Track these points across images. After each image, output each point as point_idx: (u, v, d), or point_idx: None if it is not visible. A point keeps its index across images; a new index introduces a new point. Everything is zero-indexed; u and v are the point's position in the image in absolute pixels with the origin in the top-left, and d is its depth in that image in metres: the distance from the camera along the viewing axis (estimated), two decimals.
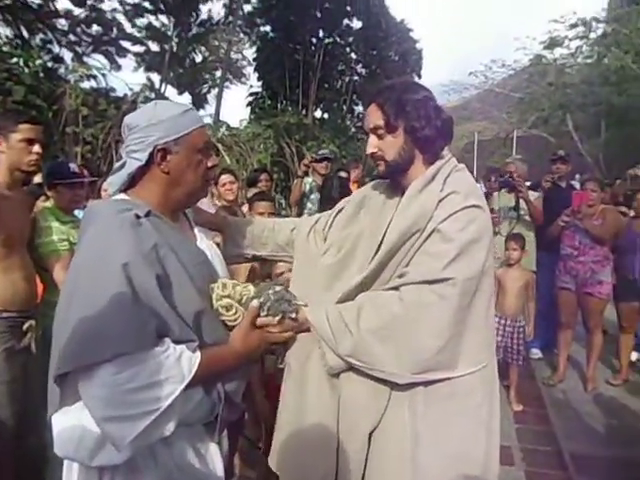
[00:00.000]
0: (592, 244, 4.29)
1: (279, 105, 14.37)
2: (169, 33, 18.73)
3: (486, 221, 1.47)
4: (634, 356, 4.86)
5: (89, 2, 16.17)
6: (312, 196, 5.38)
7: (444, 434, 1.42)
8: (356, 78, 17.64)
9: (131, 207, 1.32)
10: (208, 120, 11.82)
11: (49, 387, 1.25)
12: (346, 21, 16.98)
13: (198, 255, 1.44)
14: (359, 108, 17.89)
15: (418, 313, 1.36)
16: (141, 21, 18.41)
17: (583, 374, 4.53)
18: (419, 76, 18.15)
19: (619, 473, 3.20)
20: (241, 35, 19.32)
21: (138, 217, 1.30)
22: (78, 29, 16.44)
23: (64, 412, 1.25)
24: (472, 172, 1.64)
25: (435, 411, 1.42)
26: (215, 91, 19.16)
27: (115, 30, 17.42)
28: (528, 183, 5.39)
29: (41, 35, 15.56)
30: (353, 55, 17.61)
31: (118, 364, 1.15)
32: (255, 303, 1.41)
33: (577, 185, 5.68)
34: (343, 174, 5.52)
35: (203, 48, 20.59)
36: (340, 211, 1.75)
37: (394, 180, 1.59)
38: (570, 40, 15.19)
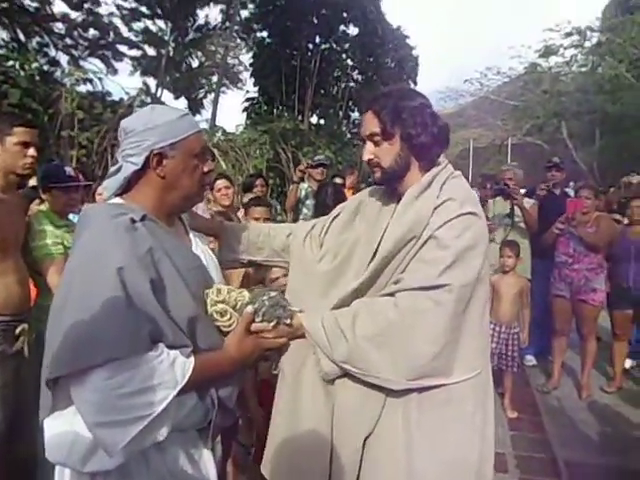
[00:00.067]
0: (586, 252, 4.31)
1: (275, 111, 14.40)
2: (166, 38, 18.78)
3: (482, 228, 1.47)
4: (628, 363, 4.88)
5: (86, 6, 16.20)
6: (308, 202, 5.38)
7: (438, 441, 1.42)
8: (352, 84, 17.67)
9: (126, 211, 1.31)
10: (204, 125, 11.84)
11: (41, 391, 1.24)
12: (342, 27, 17.04)
13: (193, 260, 1.44)
14: (355, 114, 17.95)
15: (414, 319, 1.36)
16: (138, 25, 18.50)
17: (577, 381, 4.54)
18: (415, 83, 18.22)
19: None
20: (238, 40, 19.37)
21: (133, 221, 1.29)
22: (75, 33, 16.46)
23: (56, 417, 1.24)
24: (467, 179, 1.64)
25: (429, 418, 1.41)
26: (211, 96, 19.22)
27: (112, 34, 17.47)
28: (523, 190, 5.41)
29: (37, 38, 15.58)
30: (349, 61, 17.65)
31: (111, 369, 1.14)
32: (250, 309, 1.41)
33: (571, 192, 5.70)
34: (338, 180, 5.53)
35: (200, 53, 20.65)
36: (336, 217, 1.75)
37: (390, 187, 1.60)
38: (565, 49, 15.34)
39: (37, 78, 6.99)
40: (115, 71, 17.97)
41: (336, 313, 1.46)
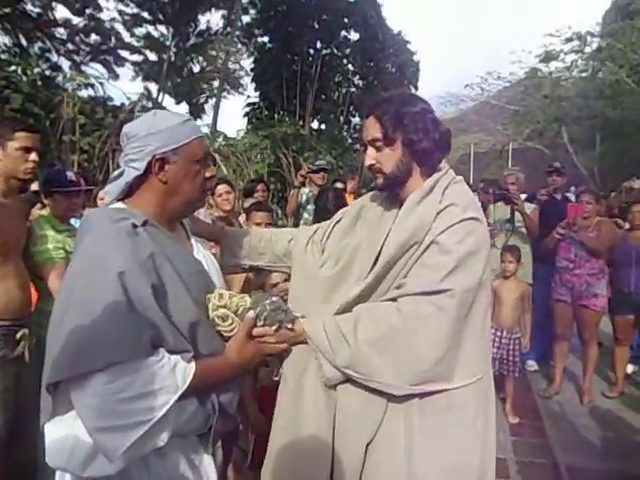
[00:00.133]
0: (588, 257, 4.30)
1: (276, 116, 14.42)
2: (167, 43, 18.84)
3: (484, 233, 1.47)
4: (630, 368, 4.86)
5: (88, 11, 16.27)
6: (309, 207, 5.38)
7: (440, 446, 1.41)
8: (353, 89, 17.71)
9: (128, 216, 1.31)
10: (205, 130, 11.84)
11: (42, 396, 1.24)
12: (344, 33, 17.07)
13: (194, 265, 1.44)
14: (356, 119, 17.97)
15: (416, 324, 1.36)
16: (139, 31, 18.56)
17: (579, 386, 4.53)
18: (416, 88, 18.25)
19: None
20: (239, 45, 19.43)
21: (135, 226, 1.29)
22: (76, 38, 16.52)
23: (56, 421, 1.24)
24: (469, 184, 1.64)
25: (431, 423, 1.41)
26: (212, 101, 19.26)
27: (113, 39, 17.53)
28: (524, 195, 5.42)
29: (39, 44, 15.63)
30: (350, 67, 17.68)
31: (111, 373, 1.14)
32: (251, 314, 1.41)
33: (572, 197, 5.70)
34: (339, 185, 5.53)
35: (201, 58, 20.71)
36: (338, 222, 1.75)
37: (392, 192, 1.60)
38: (565, 54, 15.39)
39: (39, 83, 7.02)
40: (117, 76, 18.03)
41: (338, 318, 1.46)
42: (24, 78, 6.68)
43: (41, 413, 1.26)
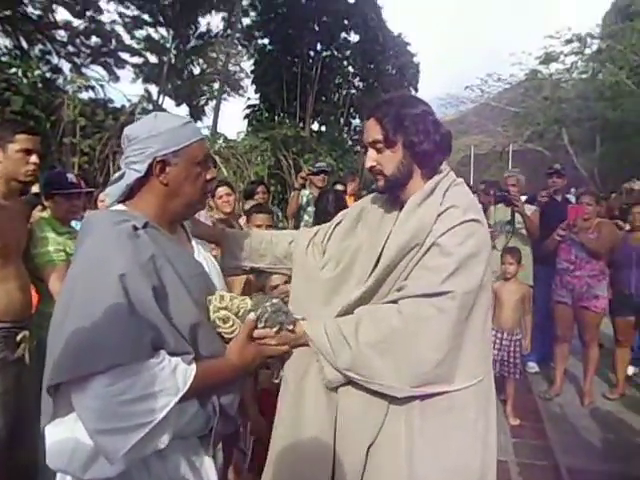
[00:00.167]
0: (588, 258, 4.30)
1: (276, 117, 14.44)
2: (168, 45, 18.86)
3: (485, 235, 1.47)
4: (630, 370, 4.86)
5: (88, 14, 16.29)
6: (309, 208, 5.39)
7: (441, 448, 1.41)
8: (353, 91, 17.73)
9: (129, 218, 1.31)
10: (205, 132, 11.85)
11: (42, 398, 1.24)
12: (344, 35, 17.10)
13: (195, 267, 1.44)
14: (356, 121, 17.99)
15: (417, 326, 1.36)
16: (140, 33, 18.58)
17: (580, 388, 4.52)
18: (416, 89, 18.27)
19: None
20: (239, 48, 19.46)
21: (136, 228, 1.29)
22: (77, 40, 16.54)
23: (57, 423, 1.24)
24: (469, 186, 1.64)
25: (432, 425, 1.41)
26: (213, 103, 19.28)
27: (114, 42, 17.56)
28: (524, 197, 5.41)
29: (40, 46, 15.65)
30: (350, 68, 17.70)
31: (112, 375, 1.14)
32: (252, 316, 1.41)
33: (573, 199, 5.70)
34: (340, 187, 5.54)
35: (201, 60, 20.73)
36: (338, 224, 1.75)
37: (393, 195, 1.60)
38: (565, 55, 15.40)
39: (39, 85, 7.02)
40: (117, 78, 18.04)
41: (339, 320, 1.46)
42: (24, 80, 6.68)
43: (42, 415, 1.26)
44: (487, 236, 1.50)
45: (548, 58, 15.43)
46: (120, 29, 17.77)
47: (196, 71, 20.79)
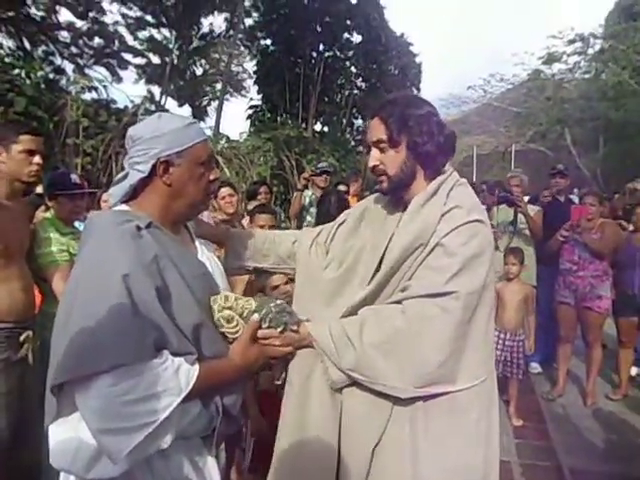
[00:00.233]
0: (591, 258, 4.29)
1: (279, 118, 14.43)
2: (170, 46, 18.87)
3: (488, 236, 1.47)
4: (634, 371, 4.85)
5: (91, 15, 16.31)
6: (311, 209, 5.39)
7: (444, 449, 1.41)
8: (356, 92, 17.73)
9: (132, 218, 1.32)
10: (208, 132, 11.85)
11: (46, 397, 1.24)
12: (346, 35, 17.11)
13: (199, 267, 1.44)
14: (359, 122, 17.99)
15: (421, 326, 1.36)
16: (143, 34, 18.59)
17: (583, 389, 4.52)
18: (418, 90, 18.27)
19: None
20: (242, 48, 19.47)
21: (139, 228, 1.30)
22: (80, 41, 16.56)
23: (61, 423, 1.24)
24: (472, 185, 1.64)
25: (435, 426, 1.41)
26: (215, 104, 19.25)
27: (117, 42, 17.56)
28: (527, 198, 5.40)
29: (43, 47, 15.68)
30: (353, 69, 17.71)
31: (115, 375, 1.14)
32: (255, 317, 1.41)
33: (576, 199, 5.69)
34: (342, 187, 5.54)
35: (204, 61, 20.74)
36: (341, 224, 1.75)
37: (396, 196, 1.59)
38: (568, 56, 15.36)
39: (42, 86, 7.03)
40: (120, 79, 18.05)
41: (344, 321, 1.46)
42: (28, 81, 6.69)
43: (45, 415, 1.26)
44: (490, 236, 1.49)
45: (551, 58, 15.40)
46: (123, 30, 17.81)
47: (199, 72, 20.80)
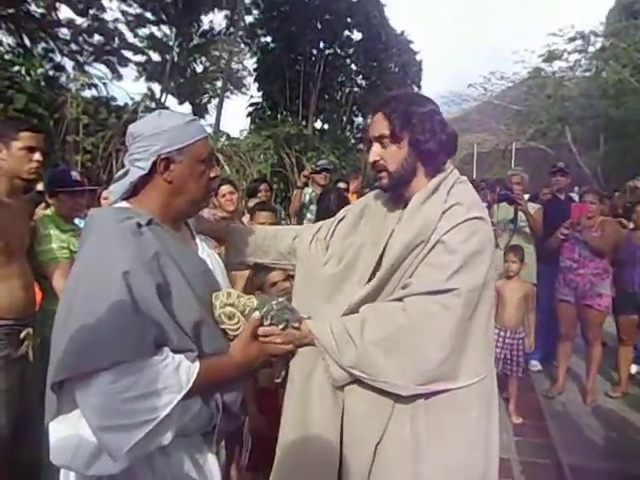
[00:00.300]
0: (591, 256, 4.29)
1: (279, 116, 14.43)
2: (170, 43, 18.82)
3: (488, 233, 1.47)
4: (633, 369, 4.85)
5: (91, 12, 16.26)
6: (312, 207, 5.39)
7: (444, 446, 1.41)
8: (356, 89, 17.70)
9: (132, 215, 1.32)
10: (208, 130, 11.80)
11: (47, 395, 1.24)
12: (346, 33, 17.07)
13: (199, 264, 1.44)
14: (359, 119, 17.97)
15: (422, 324, 1.36)
16: (143, 31, 18.52)
17: (582, 386, 4.52)
18: (419, 87, 18.23)
19: None
20: (242, 46, 19.41)
21: (139, 225, 1.30)
22: (80, 38, 16.52)
23: (61, 420, 1.24)
24: (473, 183, 1.64)
25: (436, 424, 1.41)
26: (215, 101, 19.21)
27: (117, 40, 17.50)
28: (527, 196, 5.40)
29: (43, 44, 15.63)
30: (353, 66, 17.67)
31: (115, 373, 1.15)
32: (256, 314, 1.41)
33: (576, 197, 5.69)
34: (342, 185, 5.53)
35: (204, 58, 20.68)
36: (341, 220, 1.75)
37: (396, 193, 1.59)
38: (569, 53, 15.35)
39: (42, 83, 7.03)
40: (120, 76, 17.98)
41: (345, 319, 1.46)
42: (28, 78, 6.69)
43: (46, 412, 1.26)
44: (491, 234, 1.50)
45: (551, 56, 15.39)
46: (123, 27, 17.74)
47: (199, 69, 20.75)
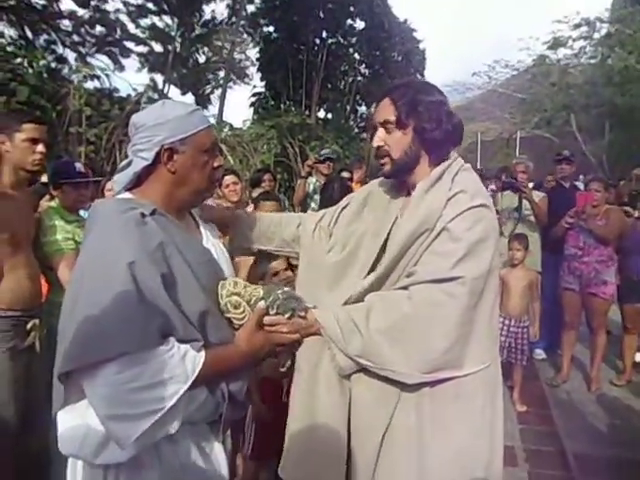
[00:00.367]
0: (596, 244, 4.28)
1: (282, 105, 14.37)
2: (172, 34, 18.74)
3: (493, 220, 1.47)
4: (638, 357, 4.84)
5: (93, 3, 16.20)
6: (315, 196, 5.38)
7: (449, 435, 1.42)
8: (359, 78, 17.62)
9: (136, 206, 1.31)
10: (211, 120, 11.79)
11: (54, 385, 1.25)
12: (349, 21, 16.98)
13: (204, 254, 1.44)
14: (362, 108, 17.91)
15: (428, 312, 1.36)
16: (145, 22, 18.43)
17: (587, 375, 4.52)
18: (422, 76, 18.13)
19: (622, 474, 3.20)
20: (244, 35, 19.33)
21: (143, 216, 1.29)
22: (82, 30, 16.46)
23: (69, 410, 1.25)
24: (477, 171, 1.63)
25: (441, 412, 1.41)
26: (218, 91, 19.19)
27: (119, 31, 17.44)
28: (531, 184, 5.38)
29: (45, 36, 15.59)
30: (356, 55, 17.59)
31: (122, 363, 1.15)
32: (262, 304, 1.41)
33: (581, 186, 5.66)
34: (346, 174, 5.52)
35: (206, 48, 20.59)
36: (345, 207, 1.75)
37: (399, 180, 1.59)
38: (574, 40, 15.17)
39: (45, 75, 7.02)
40: (122, 67, 17.93)
41: (351, 308, 1.46)
42: (30, 70, 6.68)
43: (53, 402, 1.28)
44: (495, 221, 1.49)
45: (556, 43, 15.22)
46: (125, 18, 17.65)
47: (201, 59, 20.67)
